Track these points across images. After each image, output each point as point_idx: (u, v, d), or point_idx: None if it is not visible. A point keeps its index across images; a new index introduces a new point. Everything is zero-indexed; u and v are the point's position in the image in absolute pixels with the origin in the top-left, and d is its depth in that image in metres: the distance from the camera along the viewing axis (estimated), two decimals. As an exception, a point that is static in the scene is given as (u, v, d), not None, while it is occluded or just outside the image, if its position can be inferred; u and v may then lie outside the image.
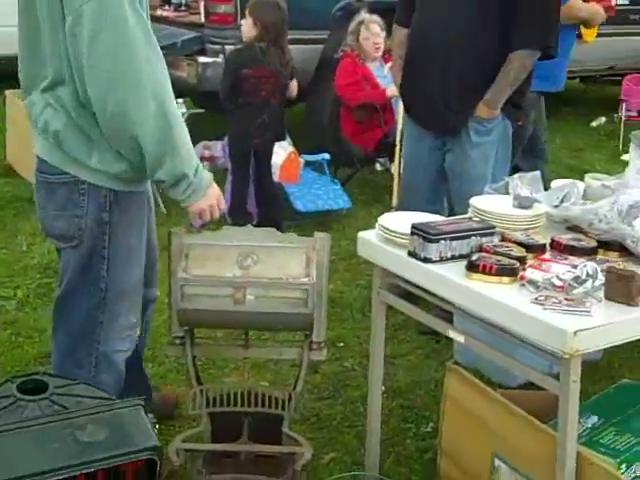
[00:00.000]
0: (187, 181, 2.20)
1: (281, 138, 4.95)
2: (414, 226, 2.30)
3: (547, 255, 2.36)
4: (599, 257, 2.37)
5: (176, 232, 2.38)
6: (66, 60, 2.10)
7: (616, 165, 6.49)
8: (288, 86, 4.72)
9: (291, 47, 5.08)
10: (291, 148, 5.21)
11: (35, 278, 4.05)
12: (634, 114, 7.32)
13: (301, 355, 2.53)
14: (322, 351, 2.53)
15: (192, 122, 5.71)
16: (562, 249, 2.38)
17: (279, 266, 2.38)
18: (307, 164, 5.36)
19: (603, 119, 7.85)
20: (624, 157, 6.72)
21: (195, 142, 6.16)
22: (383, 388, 3.35)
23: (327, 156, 5.35)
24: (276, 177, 5.03)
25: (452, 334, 2.31)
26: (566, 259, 2.32)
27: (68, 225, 2.25)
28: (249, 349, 2.59)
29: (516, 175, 2.71)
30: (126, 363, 2.43)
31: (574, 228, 2.57)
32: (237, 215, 4.82)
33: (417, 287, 2.36)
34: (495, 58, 3.38)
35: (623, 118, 7.21)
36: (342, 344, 3.68)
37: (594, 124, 7.81)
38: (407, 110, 3.77)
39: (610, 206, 2.43)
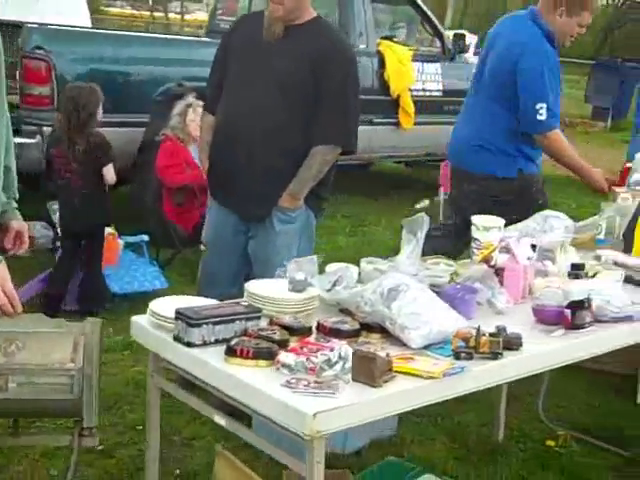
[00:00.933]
0: None
1: (105, 223, 4.96)
2: (178, 311, 2.34)
3: (311, 338, 2.44)
4: (361, 339, 2.48)
5: None
6: None
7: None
8: (101, 171, 4.73)
9: (112, 130, 5.14)
10: (109, 229, 5.18)
11: None
12: (451, 198, 7.72)
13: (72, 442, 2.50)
14: (94, 437, 2.51)
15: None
16: (327, 332, 2.47)
17: (45, 352, 2.36)
18: (127, 245, 5.35)
19: (427, 201, 8.20)
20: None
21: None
22: (178, 472, 3.37)
23: (146, 237, 5.37)
24: (93, 259, 5.00)
25: (217, 418, 2.34)
26: (329, 342, 2.41)
27: None
28: (20, 437, 2.53)
29: (293, 260, 2.81)
30: None
31: (346, 311, 2.68)
32: (51, 299, 4.78)
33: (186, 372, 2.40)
34: (299, 151, 3.52)
35: (441, 202, 7.59)
36: (141, 427, 3.64)
37: (418, 206, 8.14)
38: (213, 194, 3.82)
39: (374, 289, 2.56)
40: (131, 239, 5.38)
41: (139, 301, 5.01)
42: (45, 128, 5.21)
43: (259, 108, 3.51)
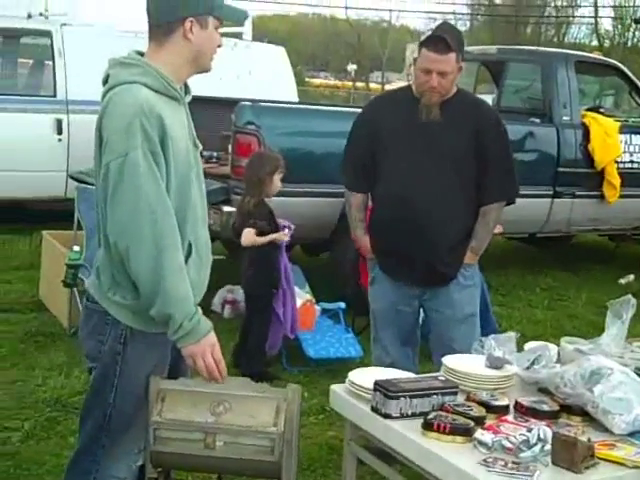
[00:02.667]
0: (174, 323, 2.35)
1: (254, 288, 4.98)
2: (376, 382, 2.40)
3: (510, 417, 2.43)
4: (561, 421, 2.44)
5: (154, 378, 2.50)
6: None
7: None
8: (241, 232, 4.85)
9: (315, 200, 5.32)
10: (307, 296, 5.36)
11: (44, 411, 4.16)
12: (660, 275, 7.35)
13: (271, 503, 2.58)
14: (292, 499, 2.58)
15: (214, 267, 5.95)
16: (524, 411, 2.45)
17: (249, 414, 2.47)
18: (324, 312, 5.50)
19: (632, 277, 7.86)
20: (649, 317, 6.76)
21: (217, 286, 6.30)
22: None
23: (343, 305, 5.49)
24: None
25: (410, 492, 2.36)
26: (527, 421, 2.38)
27: (93, 347, 2.51)
28: (222, 494, 2.66)
29: (491, 336, 2.81)
30: None
31: (545, 390, 2.64)
32: (237, 359, 4.95)
33: (382, 442, 2.44)
34: (471, 212, 3.73)
35: (647, 278, 7.25)
36: (337, 492, 3.70)
37: (622, 281, 7.82)
38: (385, 269, 3.86)
39: (575, 371, 2.51)
40: (328, 306, 5.53)
41: (334, 367, 5.13)
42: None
43: (435, 185, 3.66)
